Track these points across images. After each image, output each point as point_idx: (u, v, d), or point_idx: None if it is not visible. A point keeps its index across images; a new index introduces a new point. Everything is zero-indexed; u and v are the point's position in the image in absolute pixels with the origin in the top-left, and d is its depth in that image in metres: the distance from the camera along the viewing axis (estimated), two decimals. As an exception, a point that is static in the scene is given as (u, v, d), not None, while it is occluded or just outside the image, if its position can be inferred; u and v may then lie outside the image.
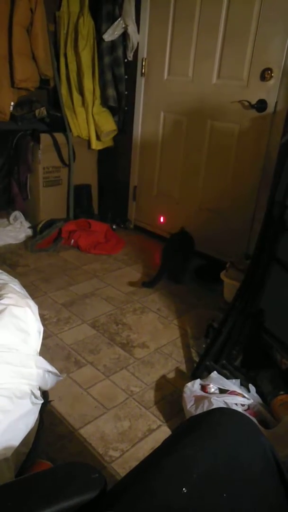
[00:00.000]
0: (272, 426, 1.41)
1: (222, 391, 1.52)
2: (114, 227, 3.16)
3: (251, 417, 1.27)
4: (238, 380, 1.57)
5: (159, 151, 2.92)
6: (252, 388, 1.55)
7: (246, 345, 1.74)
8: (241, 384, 1.56)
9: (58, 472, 0.67)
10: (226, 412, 0.73)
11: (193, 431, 0.70)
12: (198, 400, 1.46)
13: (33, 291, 2.24)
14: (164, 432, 1.47)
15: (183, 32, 2.54)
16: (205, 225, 2.75)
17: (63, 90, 2.94)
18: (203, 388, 1.54)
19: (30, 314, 1.14)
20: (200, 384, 1.55)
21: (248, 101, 2.30)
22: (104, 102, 2.96)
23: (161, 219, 2.65)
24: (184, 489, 0.60)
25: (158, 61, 2.74)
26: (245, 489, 0.65)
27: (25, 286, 1.43)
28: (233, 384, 1.54)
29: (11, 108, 2.73)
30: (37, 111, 2.86)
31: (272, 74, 2.20)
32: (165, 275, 2.44)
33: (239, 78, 2.34)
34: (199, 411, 1.40)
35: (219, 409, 0.74)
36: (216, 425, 0.70)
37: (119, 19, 2.72)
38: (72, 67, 2.90)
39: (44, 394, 1.19)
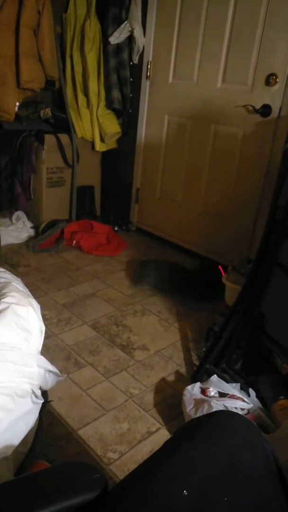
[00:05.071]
0: (271, 431, 1.41)
1: (222, 394, 1.52)
2: (116, 229, 3.16)
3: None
4: (238, 384, 1.57)
5: (162, 154, 2.93)
6: (252, 392, 1.55)
7: (246, 349, 1.73)
8: (241, 388, 1.56)
9: (59, 472, 0.66)
10: (228, 415, 0.73)
11: (195, 433, 0.70)
12: (198, 403, 1.46)
13: (34, 291, 2.23)
14: (163, 435, 1.46)
15: (189, 37, 2.55)
16: (207, 228, 2.75)
17: (68, 92, 2.96)
18: (203, 391, 1.53)
19: (33, 313, 1.14)
20: (200, 388, 1.55)
21: (252, 106, 2.31)
22: (109, 104, 2.97)
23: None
24: (185, 491, 0.60)
25: (163, 65, 2.75)
26: (245, 493, 0.65)
27: (26, 286, 1.43)
28: (233, 388, 1.53)
29: (16, 109, 2.74)
30: (42, 112, 2.88)
31: (277, 80, 2.21)
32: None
33: (243, 83, 2.35)
34: (198, 415, 1.40)
35: (221, 411, 0.74)
36: (218, 427, 0.70)
37: (126, 22, 2.74)
38: (78, 69, 2.91)
39: (44, 394, 1.19)
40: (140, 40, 2.76)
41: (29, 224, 2.98)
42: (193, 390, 1.53)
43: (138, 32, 2.74)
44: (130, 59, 2.88)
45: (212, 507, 0.61)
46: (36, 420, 1.12)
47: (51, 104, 3.03)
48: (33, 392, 1.08)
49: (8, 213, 3.02)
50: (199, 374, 1.68)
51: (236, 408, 1.46)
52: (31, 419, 1.08)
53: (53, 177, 2.94)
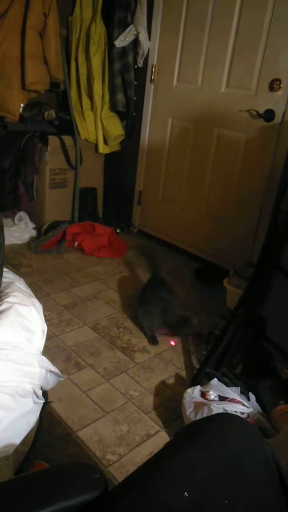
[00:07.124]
0: (271, 436, 1.40)
1: (222, 398, 1.52)
2: (118, 231, 3.17)
3: (250, 425, 1.26)
4: (238, 388, 1.57)
5: (165, 157, 2.94)
6: (252, 396, 1.55)
7: (247, 353, 1.73)
8: (241, 392, 1.56)
9: (60, 471, 0.66)
10: (229, 418, 0.73)
11: (196, 436, 0.70)
12: (198, 406, 1.46)
13: (36, 292, 2.21)
14: (163, 437, 1.46)
15: (194, 41, 2.57)
16: (209, 232, 2.76)
17: (73, 94, 2.97)
18: (203, 394, 1.53)
19: (35, 313, 1.14)
20: (200, 391, 1.55)
21: (256, 111, 2.32)
22: (113, 107, 2.98)
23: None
24: (185, 493, 0.60)
25: (167, 68, 2.76)
26: (246, 496, 0.65)
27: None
28: (233, 392, 1.53)
29: (21, 110, 2.75)
30: (46, 113, 2.89)
31: (281, 85, 2.22)
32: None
33: (247, 88, 2.36)
34: (198, 418, 1.39)
35: (222, 414, 0.74)
36: (219, 430, 0.70)
37: (131, 26, 2.75)
38: (83, 71, 2.93)
39: (44, 394, 1.19)
40: (145, 43, 2.78)
41: (31, 225, 2.99)
42: (193, 393, 1.53)
43: (143, 36, 2.75)
44: (135, 62, 2.90)
45: (213, 509, 0.61)
46: (37, 420, 1.13)
47: (55, 106, 3.05)
48: (35, 392, 1.08)
49: (11, 214, 3.02)
50: (199, 377, 1.68)
51: (236, 412, 1.46)
52: (32, 419, 1.08)
53: (56, 178, 2.95)
